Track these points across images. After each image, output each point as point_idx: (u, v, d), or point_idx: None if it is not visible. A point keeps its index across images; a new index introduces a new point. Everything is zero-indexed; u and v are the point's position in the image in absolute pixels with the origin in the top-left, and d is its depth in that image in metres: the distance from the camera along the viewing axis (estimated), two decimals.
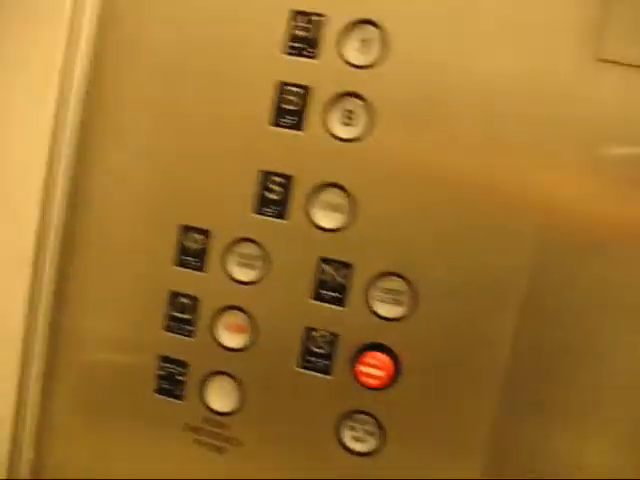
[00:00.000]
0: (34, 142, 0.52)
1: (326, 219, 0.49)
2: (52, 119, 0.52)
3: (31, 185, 0.53)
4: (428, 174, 0.48)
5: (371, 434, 0.51)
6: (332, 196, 0.49)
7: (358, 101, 0.49)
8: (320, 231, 0.50)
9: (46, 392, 0.58)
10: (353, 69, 0.49)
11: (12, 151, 0.52)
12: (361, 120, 0.49)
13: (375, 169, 0.49)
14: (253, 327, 0.52)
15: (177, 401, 0.55)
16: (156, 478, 0.54)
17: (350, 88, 0.49)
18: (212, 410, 0.54)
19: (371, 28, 0.48)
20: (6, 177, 0.51)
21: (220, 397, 0.54)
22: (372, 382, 0.49)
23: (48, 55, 0.51)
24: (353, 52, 0.49)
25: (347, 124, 0.49)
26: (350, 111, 0.49)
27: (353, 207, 0.49)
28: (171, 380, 0.54)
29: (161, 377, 0.55)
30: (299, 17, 0.49)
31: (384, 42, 0.48)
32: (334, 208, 0.49)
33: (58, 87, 0.53)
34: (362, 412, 0.51)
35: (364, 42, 0.48)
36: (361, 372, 0.49)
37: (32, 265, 0.55)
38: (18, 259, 0.53)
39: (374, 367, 0.49)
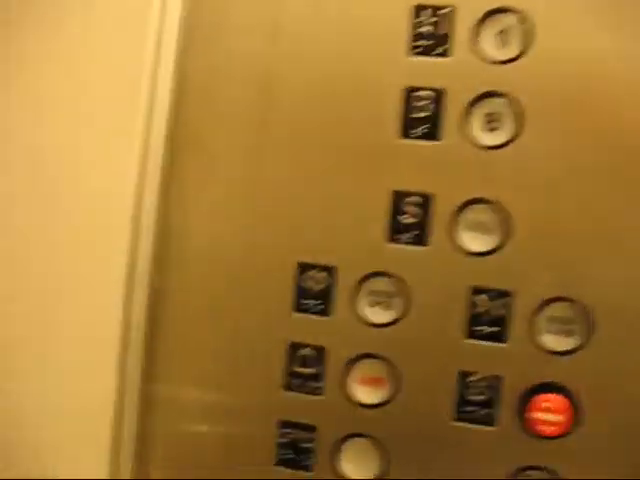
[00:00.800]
0: (120, 175, 0.51)
1: (475, 242, 0.48)
2: (137, 156, 0.52)
3: (116, 228, 0.52)
4: (593, 178, 0.46)
5: None
6: (479, 214, 0.48)
7: (501, 101, 0.47)
8: (468, 256, 0.48)
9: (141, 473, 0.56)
10: (492, 65, 0.47)
11: (100, 187, 0.51)
12: (506, 123, 0.47)
13: (528, 178, 0.47)
14: (393, 378, 0.50)
15: (304, 472, 0.52)
16: None
17: (490, 87, 0.47)
18: None
19: (509, 16, 0.47)
20: (94, 221, 0.50)
21: (357, 464, 0.51)
22: (548, 430, 0.47)
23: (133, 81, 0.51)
24: (490, 46, 0.48)
25: (490, 129, 0.48)
26: (492, 114, 0.48)
27: (506, 225, 0.47)
28: (296, 448, 0.52)
29: (283, 445, 0.52)
30: (423, 12, 0.48)
31: (526, 31, 0.47)
32: (483, 228, 0.48)
33: (143, 118, 0.52)
34: (536, 468, 0.48)
35: (502, 34, 0.47)
36: (534, 419, 0.47)
37: (121, 323, 0.53)
38: (105, 318, 0.52)
39: (549, 411, 0.47)
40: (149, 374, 0.54)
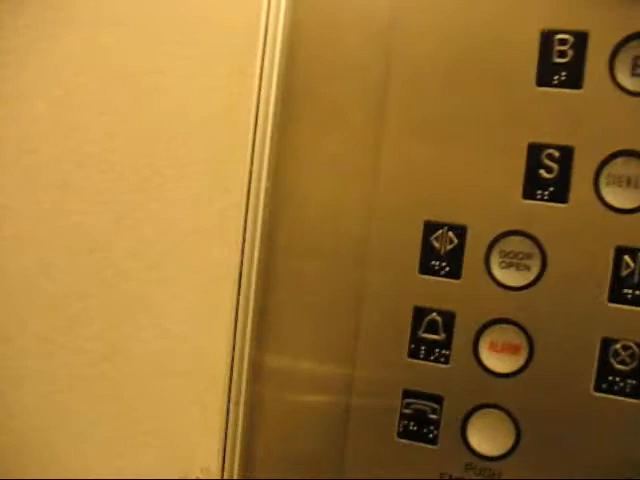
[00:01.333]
0: (233, 130, 0.53)
1: (622, 197, 0.48)
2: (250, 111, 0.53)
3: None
4: None
5: None
6: (627, 167, 0.48)
7: None
8: (613, 213, 0.48)
9: (250, 442, 0.58)
10: None
11: (212, 143, 0.53)
12: None
13: None
14: (527, 345, 0.50)
15: (430, 446, 0.53)
16: None
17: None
18: (477, 454, 0.52)
19: None
20: (205, 181, 0.52)
21: (487, 437, 0.52)
22: None
23: None
24: None
25: (638, 74, 0.48)
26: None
27: None
28: (421, 420, 0.53)
29: (407, 417, 0.53)
30: None
31: None
32: (632, 182, 0.48)
33: (256, 68, 0.54)
34: None
35: None
36: None
37: (234, 289, 0.55)
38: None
39: None
40: (262, 343, 0.56)
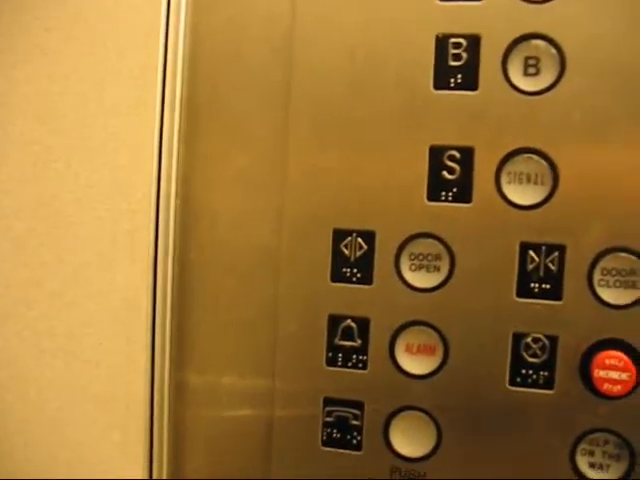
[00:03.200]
0: (139, 149, 0.53)
1: (524, 193, 0.49)
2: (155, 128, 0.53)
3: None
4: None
5: (614, 457, 0.50)
6: (526, 165, 0.49)
7: (540, 43, 0.49)
8: (516, 211, 0.49)
9: (176, 464, 0.58)
10: (529, 5, 0.49)
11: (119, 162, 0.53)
12: (547, 67, 0.49)
13: (572, 124, 0.49)
14: (443, 344, 0.52)
15: (354, 452, 0.54)
16: None
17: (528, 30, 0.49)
18: (401, 456, 0.53)
19: None
20: (116, 200, 0.52)
21: (409, 439, 0.53)
22: (614, 389, 0.49)
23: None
24: None
25: (530, 74, 0.49)
26: (531, 57, 0.49)
27: (553, 175, 0.49)
28: (343, 427, 0.54)
29: (329, 425, 0.54)
30: None
31: None
32: (532, 178, 0.49)
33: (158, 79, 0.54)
34: (599, 430, 0.50)
35: None
36: (596, 378, 0.49)
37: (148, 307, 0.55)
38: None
39: (612, 369, 0.49)
40: (180, 361, 0.56)
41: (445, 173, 0.49)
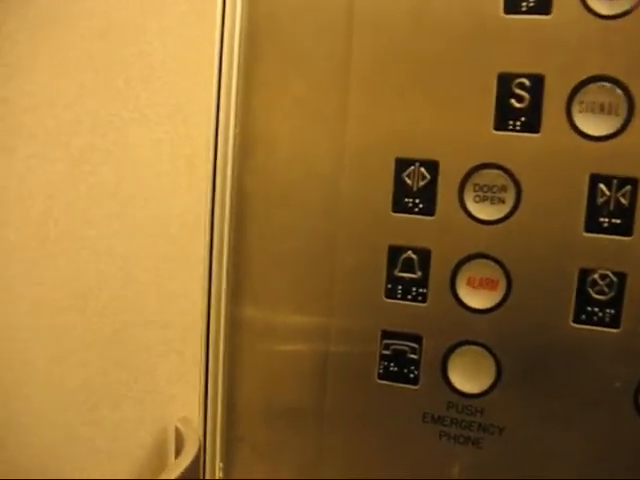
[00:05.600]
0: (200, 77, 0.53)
1: (596, 124, 0.48)
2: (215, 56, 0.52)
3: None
4: None
5: None
6: (600, 94, 0.48)
7: None
8: (587, 142, 0.48)
9: (231, 392, 0.59)
10: None
11: (180, 91, 0.52)
12: None
13: None
14: (506, 279, 0.51)
15: (411, 386, 0.54)
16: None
17: None
18: (459, 392, 0.53)
19: None
20: (175, 129, 0.52)
21: (468, 375, 0.53)
22: None
23: None
24: None
25: None
26: None
27: (628, 105, 0.47)
28: (400, 360, 0.54)
29: (386, 358, 0.54)
30: None
31: None
32: (605, 108, 0.48)
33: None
34: None
35: None
36: None
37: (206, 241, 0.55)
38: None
39: None
40: (236, 293, 0.56)
41: (513, 101, 0.47)
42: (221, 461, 0.58)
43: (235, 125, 0.54)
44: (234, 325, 0.56)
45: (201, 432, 0.56)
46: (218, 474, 0.58)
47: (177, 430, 0.51)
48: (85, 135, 0.37)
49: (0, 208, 0.33)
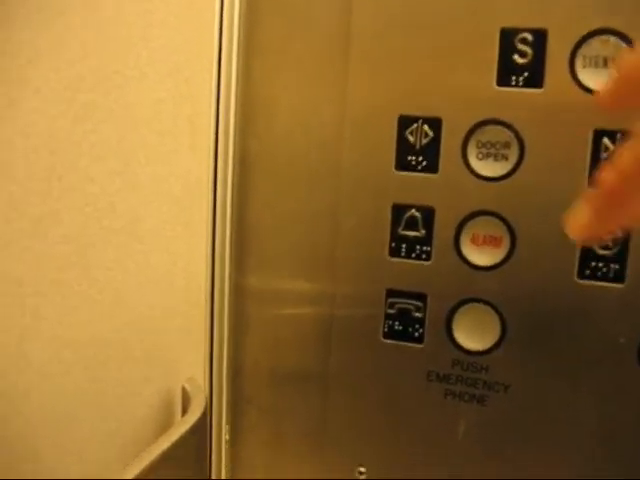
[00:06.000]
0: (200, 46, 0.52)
1: (600, 78, 0.47)
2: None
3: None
4: None
5: None
6: (604, 47, 0.47)
7: None
8: (592, 95, 0.48)
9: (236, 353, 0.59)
10: None
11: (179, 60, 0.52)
12: None
13: None
14: (510, 236, 0.51)
15: (416, 345, 0.54)
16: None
17: None
18: (464, 350, 0.53)
19: None
20: (175, 95, 0.51)
21: (473, 332, 0.53)
22: None
23: None
24: None
25: None
26: None
27: None
28: (405, 319, 0.54)
29: (391, 317, 0.54)
30: None
31: None
32: (608, 61, 0.47)
33: None
34: None
35: None
36: None
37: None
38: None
39: None
40: (240, 256, 0.56)
41: (516, 57, 0.47)
42: (227, 423, 0.58)
43: (237, 84, 0.54)
44: (238, 289, 0.56)
45: (207, 393, 0.57)
46: (224, 435, 0.58)
47: (184, 390, 0.52)
48: (87, 93, 0.37)
49: (6, 162, 0.33)
